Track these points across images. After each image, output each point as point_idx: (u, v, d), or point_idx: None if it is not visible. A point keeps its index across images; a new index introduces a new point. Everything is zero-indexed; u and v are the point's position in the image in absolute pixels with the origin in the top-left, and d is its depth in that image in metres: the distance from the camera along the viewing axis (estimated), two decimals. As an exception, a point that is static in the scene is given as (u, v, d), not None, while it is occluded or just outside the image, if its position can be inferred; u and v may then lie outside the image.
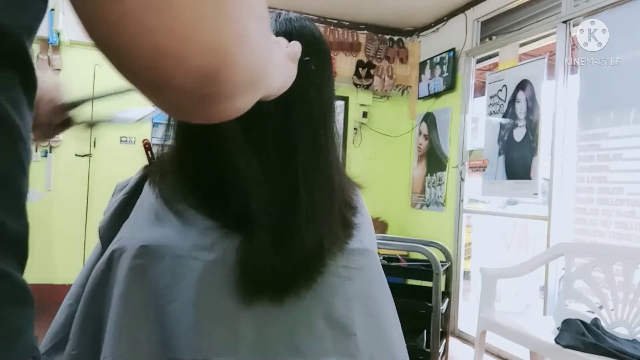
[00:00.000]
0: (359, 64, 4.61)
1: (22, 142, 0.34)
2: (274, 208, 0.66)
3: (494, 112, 3.63)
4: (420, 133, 4.62)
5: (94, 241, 0.74)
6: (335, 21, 4.56)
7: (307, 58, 0.62)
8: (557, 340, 2.17)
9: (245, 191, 0.67)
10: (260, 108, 0.66)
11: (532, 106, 3.27)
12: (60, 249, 3.94)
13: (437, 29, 4.46)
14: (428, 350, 2.36)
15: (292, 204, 0.66)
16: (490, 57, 3.92)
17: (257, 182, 0.67)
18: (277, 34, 0.70)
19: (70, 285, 0.73)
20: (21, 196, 0.34)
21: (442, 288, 2.46)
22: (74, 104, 0.79)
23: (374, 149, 4.76)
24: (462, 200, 3.98)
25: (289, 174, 0.67)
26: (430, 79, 4.44)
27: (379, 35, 4.69)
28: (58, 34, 3.83)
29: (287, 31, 0.70)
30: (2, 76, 0.31)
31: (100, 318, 0.65)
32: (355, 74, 4.59)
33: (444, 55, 4.26)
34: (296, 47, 0.59)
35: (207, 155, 0.68)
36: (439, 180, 4.29)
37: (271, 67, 0.41)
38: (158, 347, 0.63)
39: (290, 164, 0.67)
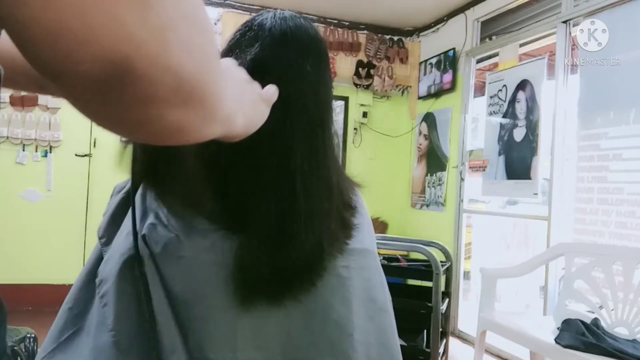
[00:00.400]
0: (359, 64, 4.61)
1: None
2: (272, 212, 0.66)
3: (494, 112, 3.63)
4: (420, 133, 4.62)
5: (94, 241, 0.74)
6: (335, 21, 4.56)
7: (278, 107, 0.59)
8: (557, 340, 2.17)
9: (243, 193, 0.67)
10: None
11: (532, 106, 3.27)
12: (60, 249, 3.94)
13: (437, 29, 4.46)
14: (428, 350, 2.36)
15: (290, 207, 0.66)
16: (490, 57, 3.92)
17: (254, 184, 0.67)
18: (273, 33, 0.69)
19: (70, 286, 0.73)
20: None
21: (442, 288, 2.46)
22: None
23: (374, 149, 4.76)
24: (462, 200, 3.98)
25: (287, 176, 0.66)
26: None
27: (379, 35, 4.69)
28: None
29: (282, 30, 0.69)
30: None
31: (139, 304, 0.65)
32: (355, 74, 4.59)
33: (444, 55, 4.27)
34: (271, 90, 0.57)
35: (204, 157, 0.67)
36: (439, 180, 4.29)
37: (222, 89, 0.36)
38: (178, 338, 0.63)
39: (287, 167, 0.67)
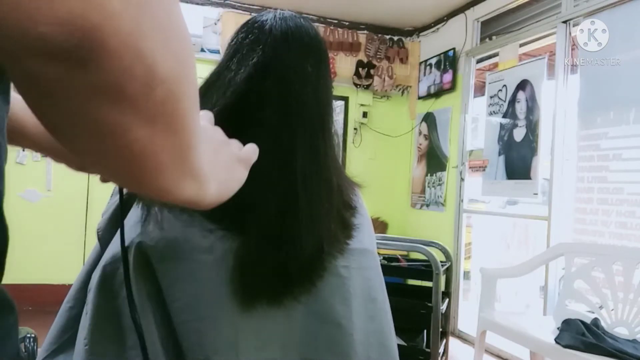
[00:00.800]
0: (359, 64, 4.61)
1: None
2: (273, 212, 0.66)
3: (494, 112, 3.63)
4: (420, 133, 4.62)
5: (94, 241, 0.74)
6: (335, 21, 4.56)
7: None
8: (557, 340, 2.17)
9: (243, 194, 0.67)
10: (258, 111, 0.66)
11: (532, 106, 3.27)
12: (60, 249, 3.94)
13: (437, 29, 4.46)
14: (428, 350, 2.36)
15: (291, 208, 0.66)
16: (490, 57, 3.92)
17: (254, 184, 0.67)
18: (274, 35, 0.69)
19: (70, 286, 0.73)
20: None
21: (442, 288, 2.46)
22: None
23: (374, 149, 4.76)
24: (462, 200, 3.98)
25: (288, 177, 0.66)
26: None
27: (379, 35, 4.69)
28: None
29: (283, 31, 0.69)
30: None
31: (113, 317, 0.65)
32: (355, 74, 4.59)
33: (444, 55, 4.27)
34: (250, 150, 0.53)
35: None
36: (439, 180, 4.29)
37: (198, 129, 0.33)
38: (160, 347, 0.64)
39: (288, 166, 0.66)
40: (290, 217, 0.66)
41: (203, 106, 0.68)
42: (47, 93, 0.25)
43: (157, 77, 0.26)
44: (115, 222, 0.70)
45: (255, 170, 0.66)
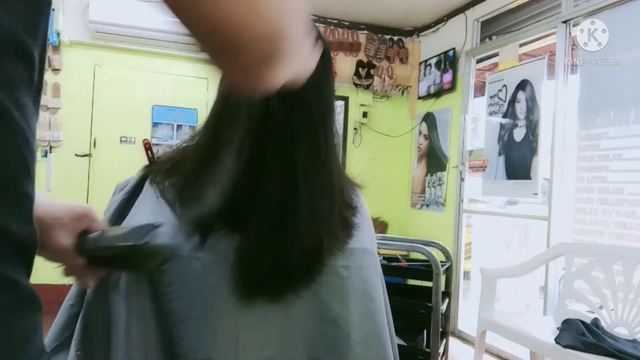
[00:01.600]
0: (359, 64, 4.61)
1: (26, 144, 0.32)
2: (274, 209, 0.66)
3: (494, 112, 3.63)
4: (420, 133, 4.62)
5: (94, 241, 0.74)
6: (335, 21, 4.56)
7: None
8: (557, 340, 2.17)
9: (245, 192, 0.67)
10: (260, 109, 0.67)
11: (532, 106, 3.27)
12: (60, 249, 3.93)
13: (437, 29, 4.46)
14: (428, 350, 2.36)
15: (292, 205, 0.66)
16: (490, 57, 3.92)
17: (256, 182, 0.67)
18: None
19: (70, 285, 0.73)
20: (26, 199, 0.33)
21: (442, 288, 2.46)
22: (90, 250, 0.60)
23: (374, 149, 4.76)
24: (462, 200, 3.98)
25: (289, 174, 0.67)
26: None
27: (379, 35, 4.69)
28: (58, 34, 3.83)
29: None
30: (2, 73, 0.30)
31: (105, 318, 0.65)
32: (355, 74, 4.59)
33: (444, 55, 4.27)
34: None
35: (207, 156, 0.68)
36: (439, 180, 4.29)
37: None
38: (161, 346, 0.64)
39: (289, 165, 0.67)
40: (290, 212, 0.66)
41: (226, 113, 0.68)
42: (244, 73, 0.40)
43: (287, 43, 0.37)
44: (116, 220, 0.70)
45: (257, 167, 0.67)
